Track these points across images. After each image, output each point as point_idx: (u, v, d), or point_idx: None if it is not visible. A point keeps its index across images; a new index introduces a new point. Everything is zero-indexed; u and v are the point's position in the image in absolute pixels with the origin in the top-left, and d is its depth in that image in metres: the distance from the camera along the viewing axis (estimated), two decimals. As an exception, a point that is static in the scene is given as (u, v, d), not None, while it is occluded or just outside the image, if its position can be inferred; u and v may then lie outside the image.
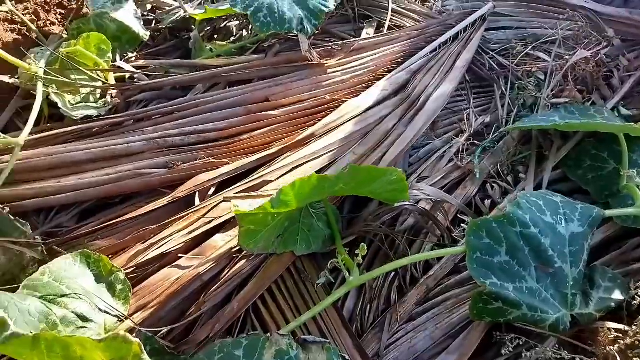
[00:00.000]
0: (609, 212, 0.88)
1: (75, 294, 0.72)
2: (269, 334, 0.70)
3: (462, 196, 1.03)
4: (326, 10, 1.31)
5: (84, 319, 0.70)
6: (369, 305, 0.86)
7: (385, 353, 0.81)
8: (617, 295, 0.81)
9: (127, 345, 0.54)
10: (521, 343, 0.76)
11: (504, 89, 1.28)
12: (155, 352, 0.73)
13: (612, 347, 0.73)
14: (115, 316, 0.74)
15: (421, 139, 1.14)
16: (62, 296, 0.70)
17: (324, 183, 0.78)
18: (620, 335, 0.75)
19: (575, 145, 1.12)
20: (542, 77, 1.33)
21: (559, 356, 0.73)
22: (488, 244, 0.78)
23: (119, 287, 0.78)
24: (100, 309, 0.73)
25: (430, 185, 1.02)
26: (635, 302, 0.80)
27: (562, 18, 1.44)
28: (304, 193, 0.78)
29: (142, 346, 0.56)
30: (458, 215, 1.01)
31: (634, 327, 0.74)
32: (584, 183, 1.06)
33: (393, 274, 0.90)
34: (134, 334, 0.71)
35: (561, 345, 0.77)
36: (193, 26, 1.43)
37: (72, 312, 0.69)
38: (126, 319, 0.75)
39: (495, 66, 1.35)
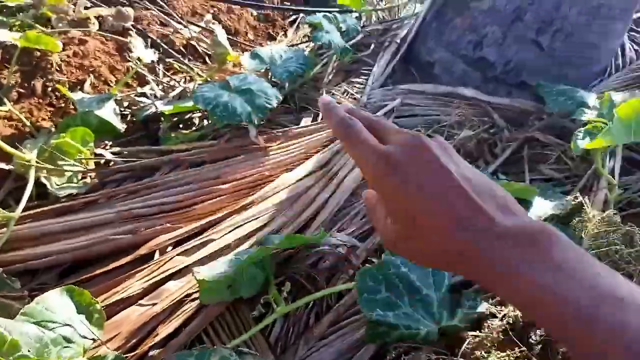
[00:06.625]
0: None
1: (61, 320, 0.93)
2: (215, 347, 0.93)
3: (371, 242, 1.29)
4: (270, 107, 1.66)
5: (68, 340, 0.90)
6: (291, 329, 1.08)
7: (301, 363, 1.03)
8: (480, 309, 1.06)
9: None
10: (401, 351, 0.99)
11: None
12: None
13: (467, 348, 0.97)
14: (92, 339, 0.94)
15: (346, 202, 1.43)
16: (52, 322, 0.91)
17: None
18: (476, 340, 0.99)
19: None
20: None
21: (428, 358, 0.96)
22: (372, 285, 1.03)
23: (96, 316, 0.99)
24: (80, 334, 0.94)
25: (347, 235, 1.29)
26: (492, 318, 1.05)
27: (458, 107, 1.83)
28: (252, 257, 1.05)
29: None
30: (368, 258, 1.27)
31: (481, 333, 0.99)
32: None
33: (312, 304, 1.13)
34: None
35: (435, 352, 1.00)
36: (162, 118, 1.74)
37: (60, 335, 0.90)
38: (102, 343, 0.96)
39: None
